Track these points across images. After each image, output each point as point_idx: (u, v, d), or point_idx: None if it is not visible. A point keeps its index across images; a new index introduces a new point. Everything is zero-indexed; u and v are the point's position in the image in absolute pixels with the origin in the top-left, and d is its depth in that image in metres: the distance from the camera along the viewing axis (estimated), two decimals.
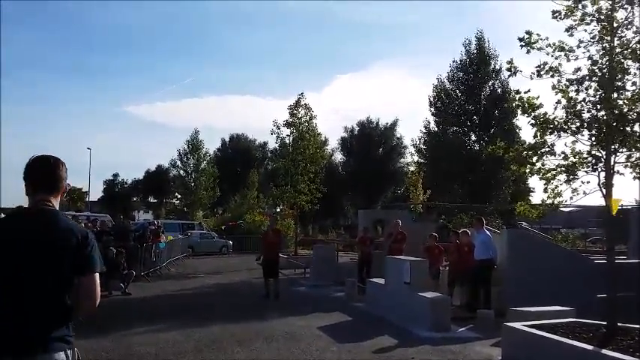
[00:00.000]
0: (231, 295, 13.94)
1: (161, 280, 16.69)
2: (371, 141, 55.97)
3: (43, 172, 2.67)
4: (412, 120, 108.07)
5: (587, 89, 7.17)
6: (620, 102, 6.97)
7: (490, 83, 39.47)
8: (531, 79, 7.37)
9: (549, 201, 7.48)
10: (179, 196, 53.68)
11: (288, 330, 9.06)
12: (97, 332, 7.85)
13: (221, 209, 52.52)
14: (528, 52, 7.32)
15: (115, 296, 12.60)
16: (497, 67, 38.38)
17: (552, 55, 7.24)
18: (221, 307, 11.75)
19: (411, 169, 41.72)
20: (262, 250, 13.71)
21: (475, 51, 39.43)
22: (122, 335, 8.32)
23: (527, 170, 7.80)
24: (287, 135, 29.35)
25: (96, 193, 65.38)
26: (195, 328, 9.13)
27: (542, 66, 7.31)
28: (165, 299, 12.85)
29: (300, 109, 29.09)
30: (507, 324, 7.39)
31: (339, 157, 59.73)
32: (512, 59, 7.55)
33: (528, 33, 7.28)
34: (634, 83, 7.03)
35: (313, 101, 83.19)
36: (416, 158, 42.82)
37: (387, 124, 57.59)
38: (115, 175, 66.93)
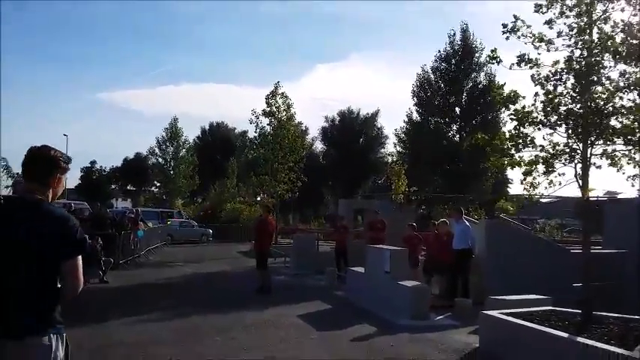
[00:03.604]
0: (211, 284, 13.89)
1: (140, 269, 16.56)
2: (352, 131, 56.07)
3: (26, 163, 2.76)
4: (391, 111, 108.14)
5: (564, 83, 7.25)
6: (597, 96, 7.05)
7: (473, 75, 39.71)
8: (510, 68, 7.43)
9: (526, 193, 7.56)
10: (158, 184, 53.28)
11: (268, 318, 9.06)
12: (75, 321, 7.69)
13: (200, 198, 52.19)
14: (507, 38, 7.37)
15: (93, 284, 12.46)
16: (482, 59, 38.63)
17: (533, 45, 7.29)
18: (200, 295, 11.70)
19: (393, 159, 41.93)
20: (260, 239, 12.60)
21: (459, 42, 39.58)
22: (100, 324, 8.24)
23: (506, 162, 7.87)
24: (266, 124, 29.28)
25: (73, 181, 64.50)
26: (174, 316, 9.09)
27: (522, 57, 7.36)
28: (144, 288, 12.75)
29: (277, 98, 28.99)
30: (484, 312, 7.47)
31: (319, 146, 59.76)
32: (495, 49, 7.60)
33: (515, 17, 7.31)
34: (608, 78, 7.11)
35: (294, 90, 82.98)
36: (398, 148, 43.03)
37: (367, 114, 57.75)
38: (93, 163, 66.02)
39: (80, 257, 2.72)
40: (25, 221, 2.61)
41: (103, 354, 6.51)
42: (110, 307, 9.63)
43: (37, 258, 2.59)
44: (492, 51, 7.61)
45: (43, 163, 2.76)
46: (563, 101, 7.22)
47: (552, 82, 7.30)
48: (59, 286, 2.68)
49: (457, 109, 40.06)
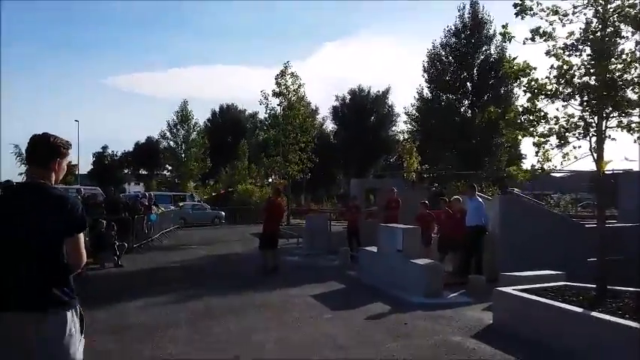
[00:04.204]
0: (224, 266, 13.99)
1: (153, 252, 16.71)
2: (363, 109, 55.68)
3: (28, 149, 3.01)
4: (402, 88, 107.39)
5: (580, 54, 7.11)
6: (612, 67, 6.91)
7: (484, 49, 39.14)
8: (524, 44, 7.28)
9: (539, 165, 7.47)
10: (170, 168, 53.50)
11: (282, 299, 9.12)
12: (92, 304, 7.85)
13: (212, 180, 52.40)
14: (522, 18, 7.21)
15: (108, 269, 12.62)
16: (492, 32, 38.03)
17: (546, 20, 7.13)
18: (214, 277, 11.80)
19: (404, 137, 41.69)
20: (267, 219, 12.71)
21: (469, 16, 38.97)
22: (116, 307, 8.35)
23: (521, 135, 7.77)
24: (276, 105, 29.18)
25: (85, 166, 65.08)
26: (188, 298, 9.18)
27: (535, 30, 7.20)
28: (158, 271, 12.87)
29: (287, 78, 28.83)
30: (498, 289, 7.46)
31: (330, 126, 59.51)
32: (506, 24, 7.47)
33: None
34: (622, 51, 6.95)
35: (303, 69, 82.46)
36: (409, 126, 42.73)
37: (378, 92, 57.25)
38: (104, 148, 66.48)
39: (82, 234, 2.96)
40: (30, 203, 2.85)
41: (121, 336, 6.59)
42: (126, 290, 9.75)
43: (43, 237, 2.81)
44: (503, 27, 7.47)
45: (44, 148, 2.97)
46: (578, 73, 7.09)
47: (567, 54, 7.16)
48: (66, 261, 2.90)
49: (468, 85, 39.59)
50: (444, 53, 39.92)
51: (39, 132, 3.01)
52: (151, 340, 6.41)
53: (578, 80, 7.08)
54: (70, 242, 2.89)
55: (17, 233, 2.80)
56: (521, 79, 7.43)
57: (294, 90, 28.87)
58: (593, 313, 5.79)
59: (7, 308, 2.75)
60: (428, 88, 40.84)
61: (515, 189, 24.21)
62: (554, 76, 7.19)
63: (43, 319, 2.75)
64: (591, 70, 6.97)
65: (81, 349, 2.92)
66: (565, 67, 7.08)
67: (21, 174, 28.19)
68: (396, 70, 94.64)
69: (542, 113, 7.32)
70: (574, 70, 7.08)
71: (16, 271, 2.78)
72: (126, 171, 69.14)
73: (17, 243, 2.79)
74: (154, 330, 6.92)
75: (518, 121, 7.50)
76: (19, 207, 2.85)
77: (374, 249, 11.20)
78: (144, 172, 68.63)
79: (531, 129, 7.42)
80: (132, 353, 5.89)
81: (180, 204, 32.62)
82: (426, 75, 40.65)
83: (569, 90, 7.14)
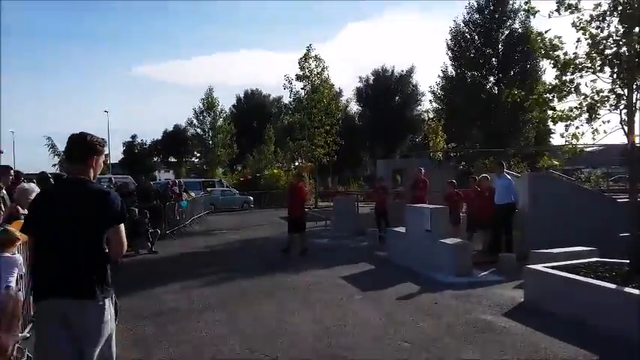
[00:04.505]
0: (255, 250, 14.19)
1: (186, 238, 17.05)
2: (387, 90, 55.20)
3: (67, 148, 3.29)
4: (427, 67, 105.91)
5: (608, 25, 6.96)
6: None
7: (508, 24, 38.32)
8: (549, 17, 7.16)
9: (569, 141, 7.37)
10: (198, 155, 54.07)
11: (313, 281, 9.26)
12: (128, 290, 8.11)
13: (240, 166, 52.82)
14: None
15: (143, 255, 12.94)
16: (516, 6, 37.18)
17: None
18: (246, 261, 12.00)
19: (429, 116, 41.26)
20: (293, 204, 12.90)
21: None
22: (152, 292, 8.58)
23: (549, 114, 7.66)
24: (301, 89, 29.15)
25: (116, 156, 66.24)
26: (222, 282, 9.39)
27: (560, 2, 7.07)
28: (191, 256, 13.15)
29: (310, 62, 28.73)
30: (529, 266, 7.44)
31: (354, 107, 59.21)
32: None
33: None
34: None
35: (326, 51, 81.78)
36: (434, 105, 42.25)
37: (402, 71, 56.65)
38: (134, 137, 67.40)
39: (122, 225, 3.17)
40: (72, 197, 3.09)
41: (158, 321, 6.79)
42: (160, 276, 10.00)
43: (84, 229, 3.03)
44: (526, 2, 7.35)
45: (81, 147, 3.22)
46: (607, 44, 6.95)
47: (595, 25, 7.02)
48: (107, 251, 3.13)
49: (494, 61, 38.88)
50: (467, 30, 39.22)
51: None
52: (186, 324, 6.60)
53: (609, 51, 6.95)
54: (112, 233, 3.12)
55: (62, 225, 3.01)
56: (552, 53, 7.31)
57: (317, 73, 28.78)
58: (627, 289, 5.74)
59: (54, 294, 2.99)
60: (452, 66, 40.29)
61: (549, 169, 23.82)
62: (588, 45, 7.05)
63: (83, 306, 2.99)
64: (621, 42, 6.82)
65: (114, 334, 3.18)
66: (599, 36, 6.93)
67: (54, 165, 28.93)
68: (419, 49, 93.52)
69: (575, 84, 7.19)
70: (603, 43, 6.94)
71: (60, 260, 3.01)
72: (155, 159, 70.07)
73: (62, 234, 3.01)
74: (190, 314, 7.12)
75: (544, 98, 7.40)
76: (63, 201, 3.08)
77: (402, 229, 11.23)
78: (173, 160, 69.48)
79: (559, 108, 7.32)
80: (168, 337, 6.06)
81: (210, 190, 33.04)
82: (449, 53, 40.07)
83: (599, 61, 7.01)
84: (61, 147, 30.16)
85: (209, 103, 46.69)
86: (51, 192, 3.43)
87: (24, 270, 5.31)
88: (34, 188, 6.83)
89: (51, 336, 2.98)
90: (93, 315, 3.01)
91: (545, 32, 7.45)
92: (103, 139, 3.34)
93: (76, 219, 3.01)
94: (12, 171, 8.04)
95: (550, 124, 7.75)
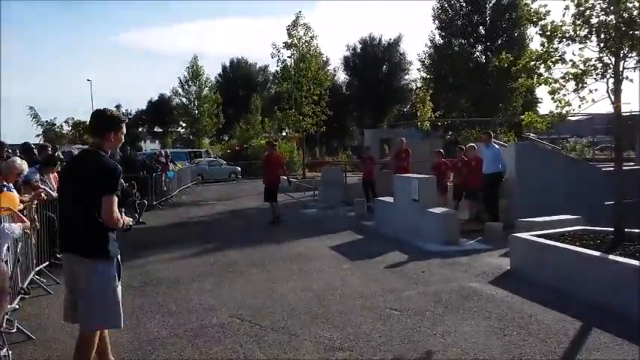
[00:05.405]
0: (243, 221, 14.21)
1: (173, 209, 17.01)
2: (374, 58, 54.67)
3: (90, 122, 3.82)
4: (414, 35, 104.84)
5: None
6: (630, 5, 6.70)
7: None
8: None
9: (557, 111, 7.38)
10: (184, 125, 53.48)
11: (301, 251, 9.30)
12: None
13: (227, 136, 52.39)
14: None
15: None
16: None
17: None
18: (234, 232, 12.02)
19: (417, 85, 41.04)
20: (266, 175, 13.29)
21: None
22: (141, 263, 8.57)
23: (535, 81, 7.65)
24: (288, 57, 28.70)
25: None
26: (210, 252, 9.40)
27: None
28: (179, 227, 13.13)
29: (299, 29, 28.26)
30: (515, 234, 7.53)
31: (342, 76, 58.65)
32: None
33: None
34: None
35: (311, 18, 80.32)
36: (422, 74, 41.96)
37: (390, 39, 56.02)
38: (118, 107, 66.32)
39: (113, 195, 3.49)
40: (83, 166, 3.62)
41: (147, 292, 6.80)
42: (148, 247, 9.98)
43: (88, 195, 3.48)
44: None
45: (101, 121, 3.70)
46: (594, 13, 6.89)
47: None
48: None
49: (481, 29, 38.59)
50: None
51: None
52: (175, 294, 6.62)
53: (596, 19, 6.90)
54: (102, 200, 3.46)
55: (73, 190, 3.59)
56: (540, 22, 7.26)
57: (305, 41, 28.33)
58: (611, 256, 5.83)
59: (67, 250, 3.66)
60: (440, 34, 39.93)
61: (532, 134, 23.94)
62: (572, 15, 7.01)
63: (80, 262, 3.53)
64: (608, 10, 6.77)
65: (119, 291, 3.70)
66: (585, 4, 6.87)
67: (38, 135, 28.47)
68: (407, 17, 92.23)
69: (560, 53, 7.16)
70: (590, 11, 6.89)
71: (69, 222, 3.64)
72: (140, 129, 69.27)
73: (72, 199, 3.58)
74: (178, 284, 7.13)
75: (532, 66, 7.36)
76: (76, 169, 3.70)
77: (390, 199, 11.28)
78: (158, 130, 68.71)
79: (546, 74, 7.30)
80: (157, 307, 6.08)
81: (197, 160, 32.83)
82: (437, 22, 39.67)
83: (586, 31, 6.97)
84: (45, 117, 29.56)
85: (194, 72, 45.92)
86: (69, 165, 4.21)
87: (17, 234, 5.50)
88: (24, 167, 7.02)
89: (65, 284, 3.77)
90: (85, 271, 3.52)
91: (532, 2, 7.41)
92: (123, 114, 3.78)
93: (82, 186, 3.50)
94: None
95: (537, 92, 7.72)
